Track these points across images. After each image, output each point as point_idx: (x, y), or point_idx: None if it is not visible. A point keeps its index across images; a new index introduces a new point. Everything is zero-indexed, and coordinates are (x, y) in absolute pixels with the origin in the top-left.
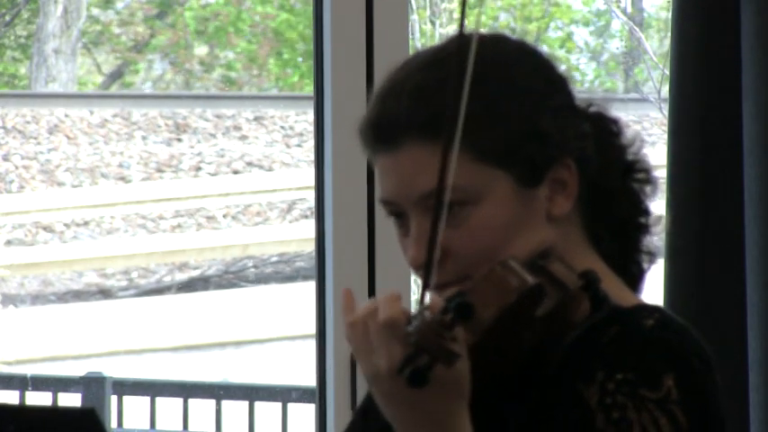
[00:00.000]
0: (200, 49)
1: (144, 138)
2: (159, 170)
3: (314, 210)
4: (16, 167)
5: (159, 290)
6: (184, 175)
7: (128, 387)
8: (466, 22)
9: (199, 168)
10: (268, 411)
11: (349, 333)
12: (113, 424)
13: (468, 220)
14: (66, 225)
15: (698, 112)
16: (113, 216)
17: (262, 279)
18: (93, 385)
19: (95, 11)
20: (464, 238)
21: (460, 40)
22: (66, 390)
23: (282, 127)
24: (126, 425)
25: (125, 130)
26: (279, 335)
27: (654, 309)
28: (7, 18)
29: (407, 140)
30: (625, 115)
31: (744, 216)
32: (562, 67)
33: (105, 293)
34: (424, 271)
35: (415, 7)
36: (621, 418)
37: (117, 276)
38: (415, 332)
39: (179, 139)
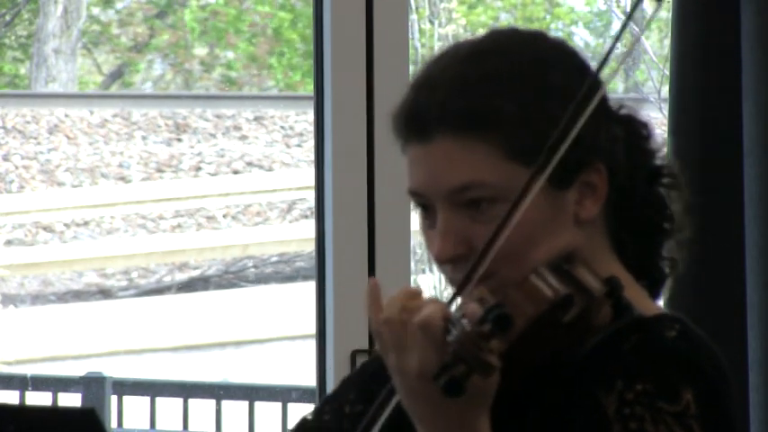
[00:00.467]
0: (200, 50)
1: (144, 138)
2: (159, 170)
3: (314, 210)
4: (16, 167)
5: (159, 290)
6: (184, 175)
7: (128, 387)
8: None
9: (199, 168)
10: (268, 411)
11: (382, 329)
12: (113, 424)
13: (495, 218)
14: (66, 225)
15: (698, 112)
16: (113, 216)
17: (262, 279)
18: (93, 385)
19: (95, 11)
20: (497, 245)
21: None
22: (66, 390)
23: (282, 127)
24: (126, 425)
25: (125, 130)
26: (279, 335)
27: (675, 319)
28: (7, 18)
29: (440, 133)
30: None
31: (744, 216)
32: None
33: (105, 293)
34: (461, 283)
35: (414, 7)
36: (639, 429)
37: (117, 276)
38: (455, 342)
39: (179, 139)
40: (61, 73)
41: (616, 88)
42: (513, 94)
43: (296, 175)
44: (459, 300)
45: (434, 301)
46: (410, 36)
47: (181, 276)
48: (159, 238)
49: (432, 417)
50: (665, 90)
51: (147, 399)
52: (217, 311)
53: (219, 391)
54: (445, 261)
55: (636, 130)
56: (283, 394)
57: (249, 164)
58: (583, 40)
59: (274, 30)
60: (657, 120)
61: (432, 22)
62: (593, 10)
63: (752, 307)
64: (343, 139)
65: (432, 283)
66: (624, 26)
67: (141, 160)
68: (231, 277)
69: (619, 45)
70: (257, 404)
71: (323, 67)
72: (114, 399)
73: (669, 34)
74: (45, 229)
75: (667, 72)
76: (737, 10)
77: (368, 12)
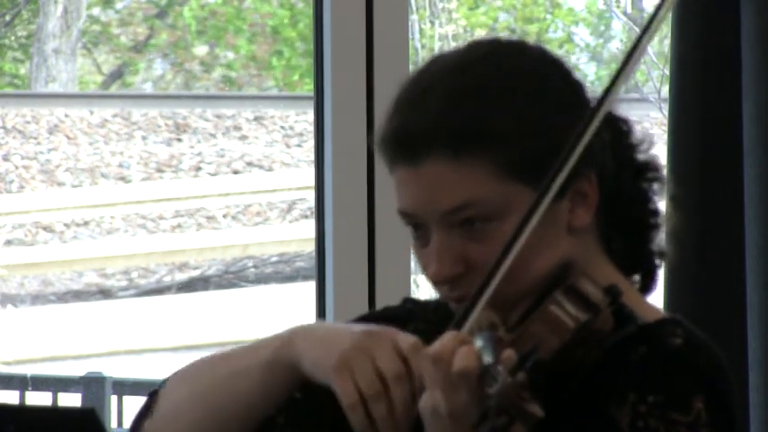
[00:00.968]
0: (200, 49)
1: (144, 138)
2: (159, 170)
3: (314, 210)
4: (16, 167)
5: (159, 290)
6: (184, 175)
7: (128, 387)
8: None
9: (199, 168)
10: None
11: (429, 367)
12: (113, 424)
13: (491, 236)
14: (66, 225)
15: (698, 112)
16: (113, 216)
17: (262, 279)
18: (93, 385)
19: (95, 11)
20: (488, 253)
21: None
22: (66, 390)
23: (282, 127)
24: (126, 425)
25: (125, 130)
26: None
27: (677, 323)
28: (7, 18)
29: (430, 155)
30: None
31: (744, 216)
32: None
33: (105, 293)
34: (467, 308)
35: (414, 7)
36: None
37: (117, 276)
38: (497, 394)
39: (179, 139)
40: (61, 73)
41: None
42: (505, 109)
43: (296, 175)
44: (467, 325)
45: (468, 348)
46: (410, 36)
47: (181, 276)
48: (159, 238)
49: None
50: (665, 90)
51: None
52: (217, 311)
53: None
54: (443, 282)
55: (617, 127)
56: None
57: (249, 164)
58: (583, 40)
59: (274, 29)
60: (657, 120)
61: (432, 23)
62: (593, 10)
63: (752, 307)
64: (343, 139)
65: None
66: (640, 39)
67: (141, 160)
68: (231, 277)
69: (619, 45)
70: None
71: (323, 67)
72: (114, 399)
73: (669, 34)
74: (45, 229)
75: (667, 72)
76: (737, 10)
77: (368, 12)
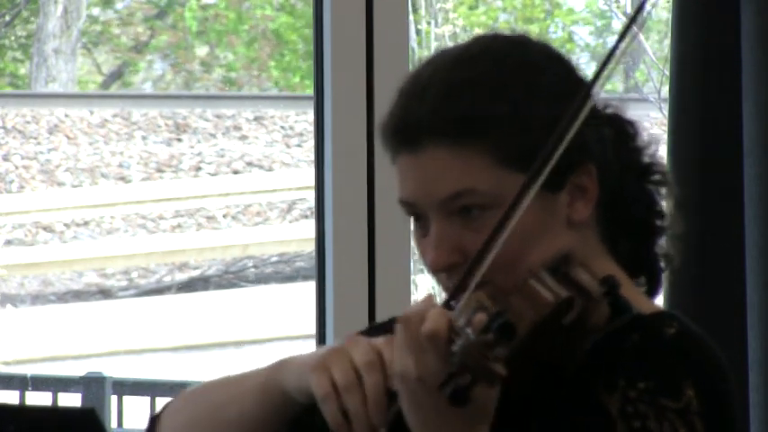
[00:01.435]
0: (201, 50)
1: (144, 138)
2: (159, 170)
3: (314, 210)
4: (16, 167)
5: (159, 290)
6: (184, 175)
7: (128, 387)
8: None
9: (199, 168)
10: None
11: (399, 330)
12: (113, 424)
13: (489, 225)
14: (66, 225)
15: (698, 112)
16: (113, 216)
17: (262, 279)
18: (93, 385)
19: (95, 11)
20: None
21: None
22: (66, 390)
23: (282, 127)
24: (126, 425)
25: (125, 130)
26: (279, 335)
27: (673, 316)
28: (7, 18)
29: (431, 141)
30: None
31: (744, 216)
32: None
33: (105, 293)
34: (455, 289)
35: (411, 8)
36: (642, 426)
37: (117, 276)
38: (460, 352)
39: (179, 139)
40: (61, 73)
41: (616, 88)
42: (503, 99)
43: (296, 175)
44: (458, 307)
45: (438, 310)
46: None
47: (181, 276)
48: (159, 238)
49: (431, 426)
50: (665, 90)
51: (147, 399)
52: (217, 311)
53: None
54: (440, 270)
55: (623, 128)
56: None
57: (249, 164)
58: (583, 40)
59: (274, 32)
60: (657, 120)
61: (428, 23)
62: (593, 10)
63: (752, 307)
64: (343, 139)
65: (431, 283)
66: (627, 28)
67: (141, 160)
68: (231, 277)
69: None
70: None
71: (323, 68)
72: (114, 399)
73: (669, 34)
74: (45, 229)
75: (667, 72)
76: (737, 10)
77: (368, 12)
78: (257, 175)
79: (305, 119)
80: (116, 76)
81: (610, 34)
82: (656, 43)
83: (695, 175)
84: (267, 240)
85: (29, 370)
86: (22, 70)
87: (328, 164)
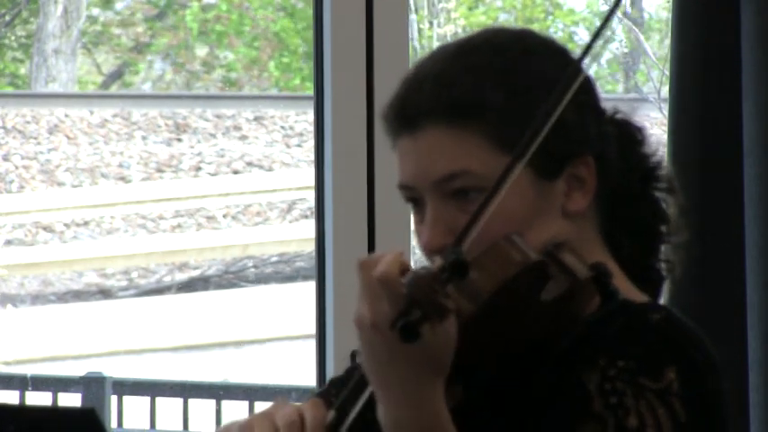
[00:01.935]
0: (201, 50)
1: (144, 138)
2: (159, 170)
3: (314, 210)
4: (16, 167)
5: (159, 290)
6: (184, 175)
7: (128, 387)
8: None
9: (199, 168)
10: None
11: (358, 274)
12: (113, 424)
13: None
14: (66, 225)
15: (698, 112)
16: (113, 216)
17: (262, 279)
18: (93, 385)
19: (95, 11)
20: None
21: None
22: (66, 390)
23: (282, 127)
24: (126, 425)
25: (125, 130)
26: (279, 335)
27: (662, 307)
28: (7, 18)
29: (428, 123)
30: None
31: (744, 216)
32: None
33: (105, 293)
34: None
35: (413, 8)
36: (619, 403)
37: (117, 276)
38: (409, 286)
39: (179, 139)
40: (61, 73)
41: (616, 89)
42: (501, 86)
43: (296, 175)
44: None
45: (392, 255)
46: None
47: (181, 276)
48: (159, 238)
49: (386, 373)
50: (665, 90)
51: (147, 399)
52: (217, 311)
53: (219, 392)
54: (433, 251)
55: (630, 133)
56: (283, 394)
57: (249, 164)
58: (583, 40)
59: (275, 33)
60: (657, 120)
61: (430, 23)
62: (593, 10)
63: (752, 307)
64: (343, 139)
65: None
66: (607, 17)
67: (141, 160)
68: (231, 277)
69: (619, 46)
70: (257, 404)
71: (323, 68)
72: (114, 399)
73: (669, 34)
74: (45, 229)
75: (667, 72)
76: (737, 10)
77: (368, 12)
78: (257, 175)
79: (305, 119)
80: (116, 76)
81: (610, 34)
82: (657, 43)
83: (695, 175)
84: (267, 240)
85: (29, 370)
86: (22, 70)
87: (328, 164)
